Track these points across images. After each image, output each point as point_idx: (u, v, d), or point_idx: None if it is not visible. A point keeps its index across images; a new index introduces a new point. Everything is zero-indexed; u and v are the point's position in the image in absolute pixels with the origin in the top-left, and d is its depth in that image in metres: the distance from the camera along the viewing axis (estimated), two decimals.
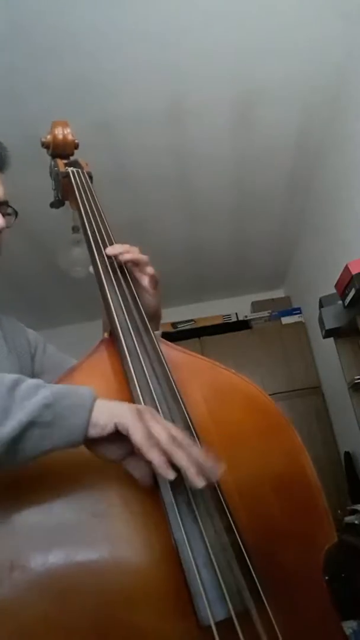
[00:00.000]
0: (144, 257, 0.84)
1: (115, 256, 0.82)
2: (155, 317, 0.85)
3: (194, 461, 0.53)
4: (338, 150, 2.31)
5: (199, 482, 0.52)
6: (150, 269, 0.84)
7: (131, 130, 2.20)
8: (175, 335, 3.65)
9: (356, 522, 2.07)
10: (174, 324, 3.91)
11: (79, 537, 0.56)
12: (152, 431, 0.53)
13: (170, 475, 0.52)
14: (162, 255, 3.35)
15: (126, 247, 0.84)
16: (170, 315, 3.95)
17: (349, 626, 1.74)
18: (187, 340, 3.63)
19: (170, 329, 3.84)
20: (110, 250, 0.82)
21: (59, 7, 1.61)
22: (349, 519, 2.16)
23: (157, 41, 1.79)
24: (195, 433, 0.64)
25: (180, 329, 3.88)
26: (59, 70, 1.84)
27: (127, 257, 0.82)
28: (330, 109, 2.21)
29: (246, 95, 2.09)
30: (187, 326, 3.91)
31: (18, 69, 1.80)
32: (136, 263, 0.84)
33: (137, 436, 0.52)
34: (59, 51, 1.76)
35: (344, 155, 2.25)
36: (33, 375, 0.89)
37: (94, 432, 0.54)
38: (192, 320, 3.94)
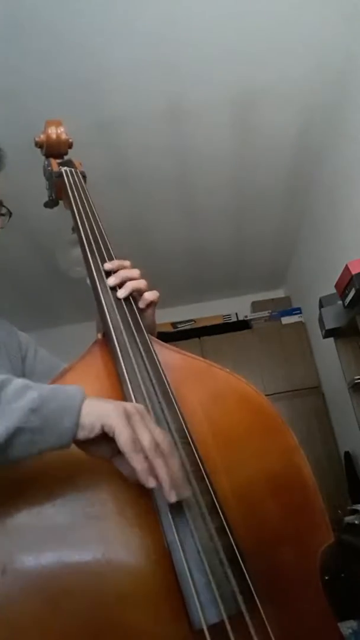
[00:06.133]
0: (142, 284, 0.81)
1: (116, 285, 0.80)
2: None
3: (169, 474, 0.53)
4: (338, 150, 2.31)
5: (171, 497, 0.52)
6: (150, 295, 0.81)
7: (131, 130, 2.20)
8: (175, 335, 3.65)
9: (356, 522, 2.08)
10: (174, 324, 3.91)
11: (71, 539, 0.55)
12: (138, 436, 0.53)
13: (150, 483, 0.52)
14: (162, 255, 3.35)
15: (125, 272, 0.81)
16: (170, 315, 3.95)
17: (348, 626, 1.74)
18: (187, 340, 3.63)
19: (170, 329, 3.85)
20: (112, 281, 0.80)
21: (59, 7, 1.61)
22: (349, 519, 2.16)
23: (157, 41, 1.79)
24: (189, 434, 0.64)
25: (180, 329, 3.88)
26: (58, 70, 1.84)
27: (125, 292, 0.79)
28: (330, 109, 2.21)
29: (246, 95, 2.09)
30: (187, 326, 3.91)
31: (18, 69, 1.80)
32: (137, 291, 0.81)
33: (122, 441, 0.52)
34: (59, 51, 1.76)
35: (344, 155, 2.25)
36: (23, 377, 0.88)
37: (82, 434, 0.53)
38: (192, 320, 3.94)
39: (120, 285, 0.80)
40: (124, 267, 0.82)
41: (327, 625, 0.62)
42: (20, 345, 0.92)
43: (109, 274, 0.81)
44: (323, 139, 2.38)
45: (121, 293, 0.79)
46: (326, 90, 2.11)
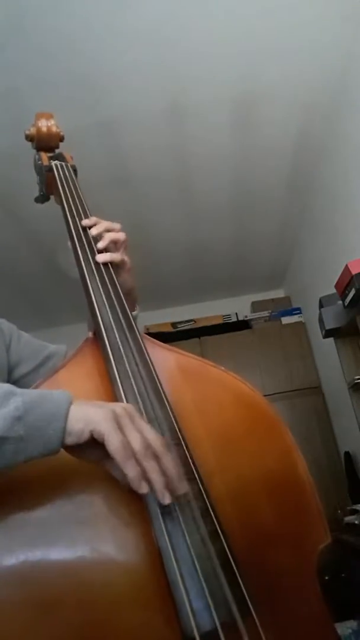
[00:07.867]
0: (121, 236, 0.86)
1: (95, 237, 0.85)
2: (130, 295, 0.84)
3: (162, 475, 0.52)
4: (338, 150, 2.31)
5: (165, 499, 0.52)
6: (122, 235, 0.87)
7: (131, 130, 2.20)
8: (175, 335, 3.66)
9: (356, 522, 2.07)
10: (174, 324, 3.91)
11: (61, 544, 0.54)
12: (129, 440, 0.52)
13: (143, 489, 0.51)
14: (162, 255, 3.35)
15: (107, 224, 0.86)
16: (170, 315, 3.95)
17: (348, 626, 1.74)
18: (187, 340, 3.63)
19: (170, 329, 3.85)
20: (86, 222, 0.86)
21: (59, 7, 1.61)
22: (349, 519, 2.16)
23: (157, 41, 1.79)
24: (181, 435, 0.62)
25: (180, 329, 3.88)
26: (59, 70, 1.83)
27: (108, 238, 0.84)
28: (330, 109, 2.21)
29: (246, 95, 2.09)
30: (187, 326, 3.91)
31: (18, 68, 1.80)
32: (115, 242, 0.86)
33: (113, 447, 0.51)
34: (59, 51, 1.76)
35: (344, 155, 2.25)
36: (9, 366, 0.87)
37: (70, 440, 0.52)
38: (192, 320, 3.94)
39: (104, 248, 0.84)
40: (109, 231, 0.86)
41: (323, 628, 0.61)
42: (3, 333, 0.89)
43: (99, 271, 0.80)
44: (323, 139, 2.38)
45: (100, 245, 0.83)
46: (326, 90, 2.11)
